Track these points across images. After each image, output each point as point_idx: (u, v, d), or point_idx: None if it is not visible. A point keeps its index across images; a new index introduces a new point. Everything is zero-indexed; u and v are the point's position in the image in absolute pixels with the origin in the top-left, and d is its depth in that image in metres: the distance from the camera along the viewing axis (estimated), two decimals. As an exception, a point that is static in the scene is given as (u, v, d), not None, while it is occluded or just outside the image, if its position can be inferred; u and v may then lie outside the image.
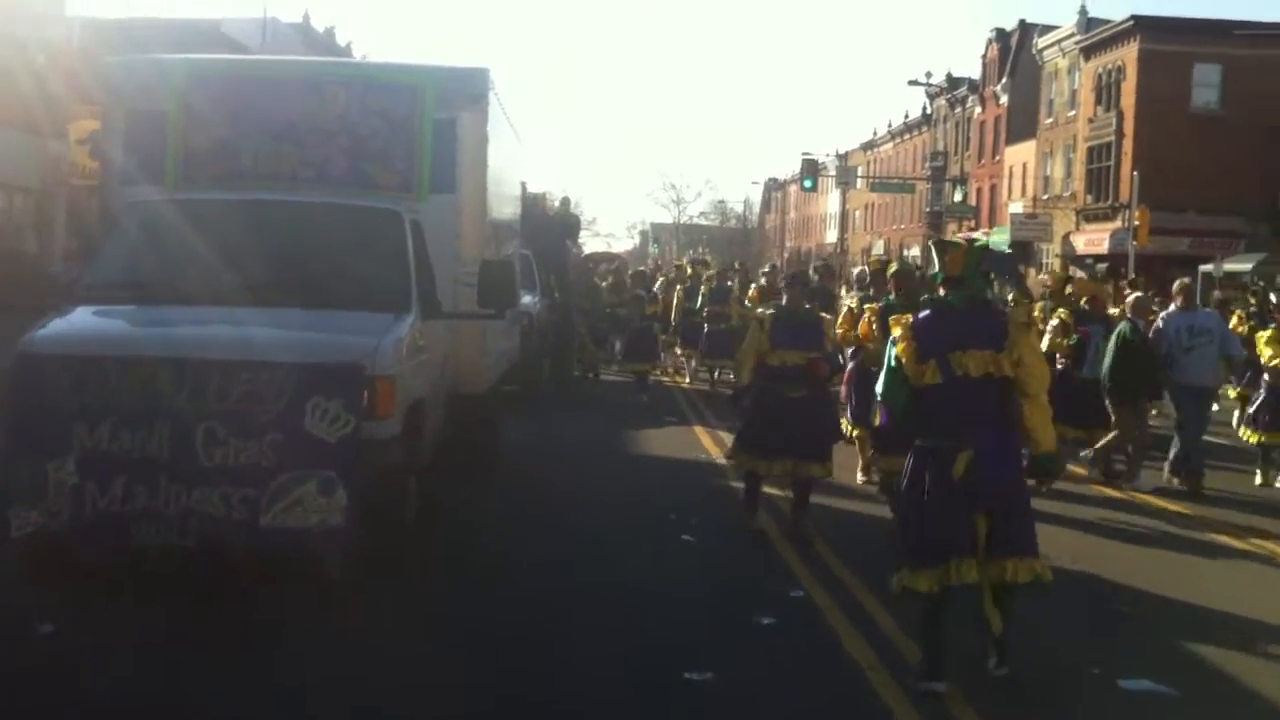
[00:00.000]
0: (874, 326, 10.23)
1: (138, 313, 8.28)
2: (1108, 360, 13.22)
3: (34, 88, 30.81)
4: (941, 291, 6.85)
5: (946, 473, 6.47)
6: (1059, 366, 13.45)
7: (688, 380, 23.53)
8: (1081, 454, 13.90)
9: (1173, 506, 12.55)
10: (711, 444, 15.48)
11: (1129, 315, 13.62)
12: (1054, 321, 13.96)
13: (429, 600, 7.90)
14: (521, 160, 14.31)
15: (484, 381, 10.27)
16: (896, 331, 6.75)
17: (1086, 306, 14.38)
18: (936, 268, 6.93)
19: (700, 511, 11.07)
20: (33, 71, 31.35)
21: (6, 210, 32.88)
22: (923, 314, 6.82)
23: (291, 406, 7.47)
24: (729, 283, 23.23)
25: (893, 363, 6.73)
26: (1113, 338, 13.33)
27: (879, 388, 6.99)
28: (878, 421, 8.15)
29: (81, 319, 8.06)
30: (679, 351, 24.11)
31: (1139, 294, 14.88)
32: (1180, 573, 9.83)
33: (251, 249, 8.54)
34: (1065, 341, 13.76)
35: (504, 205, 12.07)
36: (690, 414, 18.87)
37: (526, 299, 16.65)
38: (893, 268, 11.09)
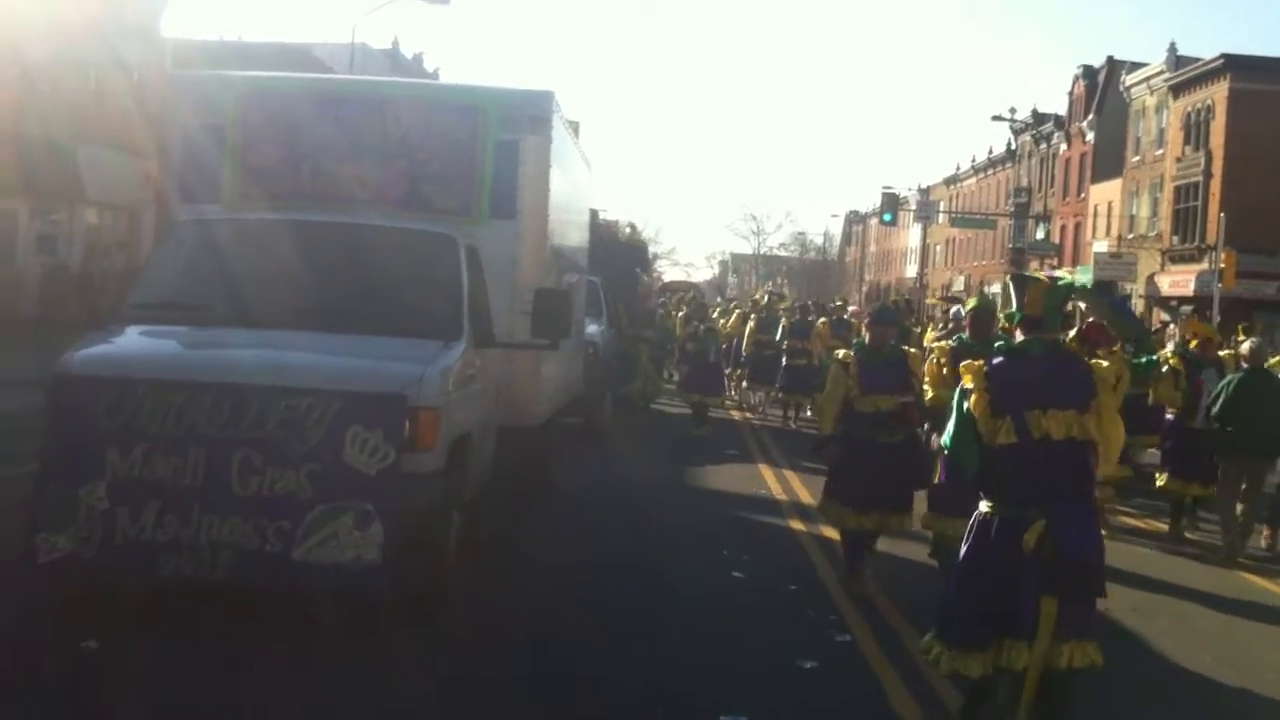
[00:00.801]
0: (943, 368, 9.03)
1: (180, 334, 7.94)
2: (1217, 408, 11.79)
3: (128, 106, 31.07)
4: (1018, 335, 6.15)
5: (1015, 544, 5.70)
6: (1169, 417, 12.52)
7: (754, 416, 22.81)
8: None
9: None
10: (774, 481, 15.03)
11: (1245, 363, 12.30)
12: (1163, 368, 12.53)
13: (468, 636, 7.52)
14: (589, 187, 13.92)
15: (538, 414, 9.81)
16: (968, 380, 6.01)
17: (1197, 350, 12.99)
18: (1014, 305, 6.21)
19: (754, 548, 10.80)
20: (127, 90, 31.65)
21: (97, 228, 33.17)
22: (997, 361, 6.07)
23: (330, 436, 7.09)
24: (810, 316, 22.56)
25: (964, 415, 5.96)
26: (1229, 383, 11.93)
27: (945, 440, 6.26)
28: (938, 478, 7.37)
29: (122, 339, 7.75)
30: (745, 386, 23.58)
31: (1255, 340, 13.18)
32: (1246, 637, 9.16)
33: (300, 271, 8.21)
34: (1178, 393, 12.47)
35: (568, 232, 11.65)
36: (755, 449, 18.34)
37: (592, 328, 16.19)
38: (971, 303, 9.82)
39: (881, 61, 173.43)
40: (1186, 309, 46.44)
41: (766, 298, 26.58)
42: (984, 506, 5.96)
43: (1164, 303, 48.54)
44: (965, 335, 9.18)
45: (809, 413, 22.20)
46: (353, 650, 7.00)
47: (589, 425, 15.52)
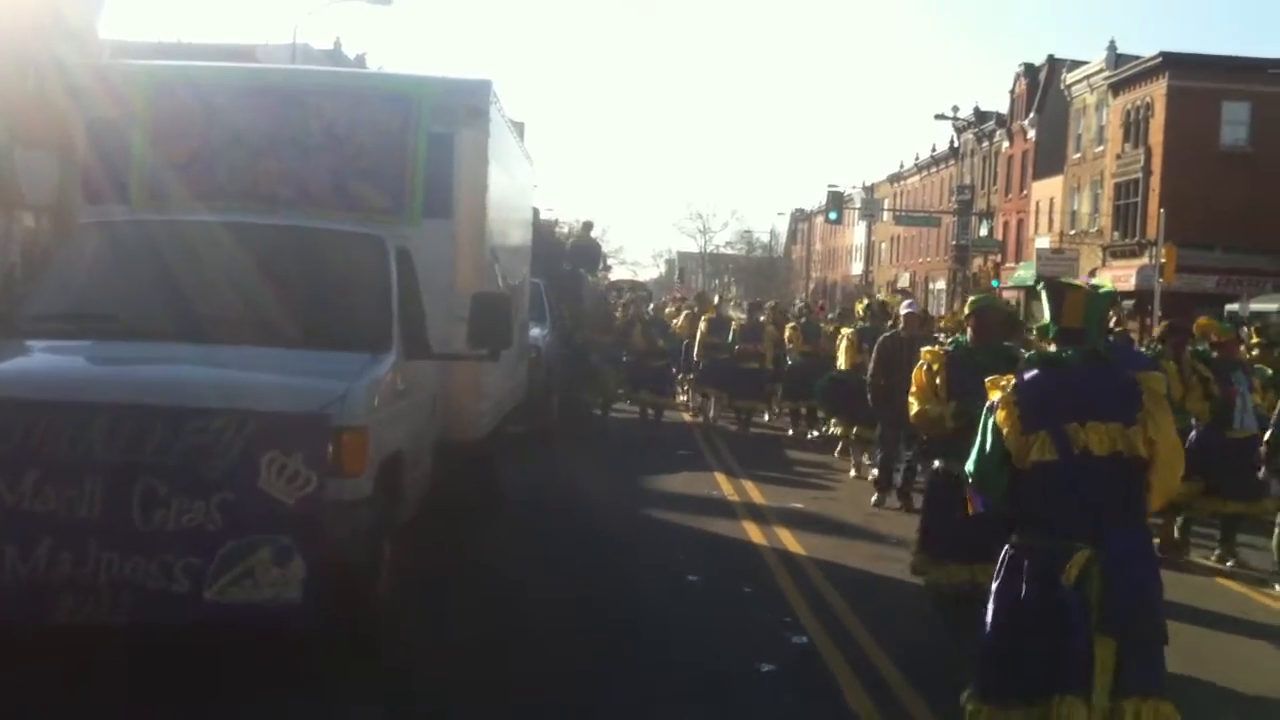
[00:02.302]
0: (935, 377, 7.42)
1: (76, 349, 7.04)
2: None
3: (66, 108, 29.82)
4: (1052, 348, 5.31)
5: (1053, 579, 4.88)
6: (1194, 428, 11.06)
7: (703, 419, 21.59)
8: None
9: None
10: (728, 485, 14.46)
11: None
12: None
13: (407, 670, 6.77)
14: (530, 184, 13.03)
15: (480, 426, 8.94)
16: (995, 395, 5.17)
17: (1214, 353, 11.51)
18: (1047, 317, 5.35)
19: (708, 552, 10.68)
20: (64, 92, 30.40)
21: (35, 231, 31.89)
22: (1029, 374, 5.20)
23: (244, 462, 6.23)
24: (760, 317, 21.59)
25: (989, 435, 5.15)
26: None
27: (968, 466, 5.33)
28: (970, 509, 6.12)
29: (9, 355, 6.84)
30: (691, 390, 22.70)
31: None
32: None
33: (213, 278, 7.36)
34: (1206, 404, 11.10)
35: (509, 231, 10.79)
36: (709, 454, 17.55)
37: (535, 331, 15.33)
38: (975, 300, 7.97)
39: (825, 59, 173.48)
40: (1128, 304, 46.57)
41: (717, 299, 25.68)
42: (1016, 539, 5.13)
43: (1106, 297, 48.38)
44: (963, 338, 7.84)
45: (766, 417, 21.60)
46: (274, 700, 6.22)
47: (535, 432, 14.57)
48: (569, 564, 9.65)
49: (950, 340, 7.68)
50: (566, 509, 12.04)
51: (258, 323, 7.13)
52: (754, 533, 11.57)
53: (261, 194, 8.27)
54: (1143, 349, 12.50)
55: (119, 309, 7.26)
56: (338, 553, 6.22)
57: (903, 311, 13.62)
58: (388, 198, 8.31)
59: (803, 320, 20.86)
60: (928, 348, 7.91)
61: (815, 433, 19.34)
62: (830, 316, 23.69)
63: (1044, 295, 5.35)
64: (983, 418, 5.24)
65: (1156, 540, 10.66)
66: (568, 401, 18.66)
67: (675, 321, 23.71)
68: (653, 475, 14.99)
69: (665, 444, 18.25)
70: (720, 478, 15.01)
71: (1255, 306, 38.58)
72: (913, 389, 7.55)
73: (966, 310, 7.99)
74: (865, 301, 17.73)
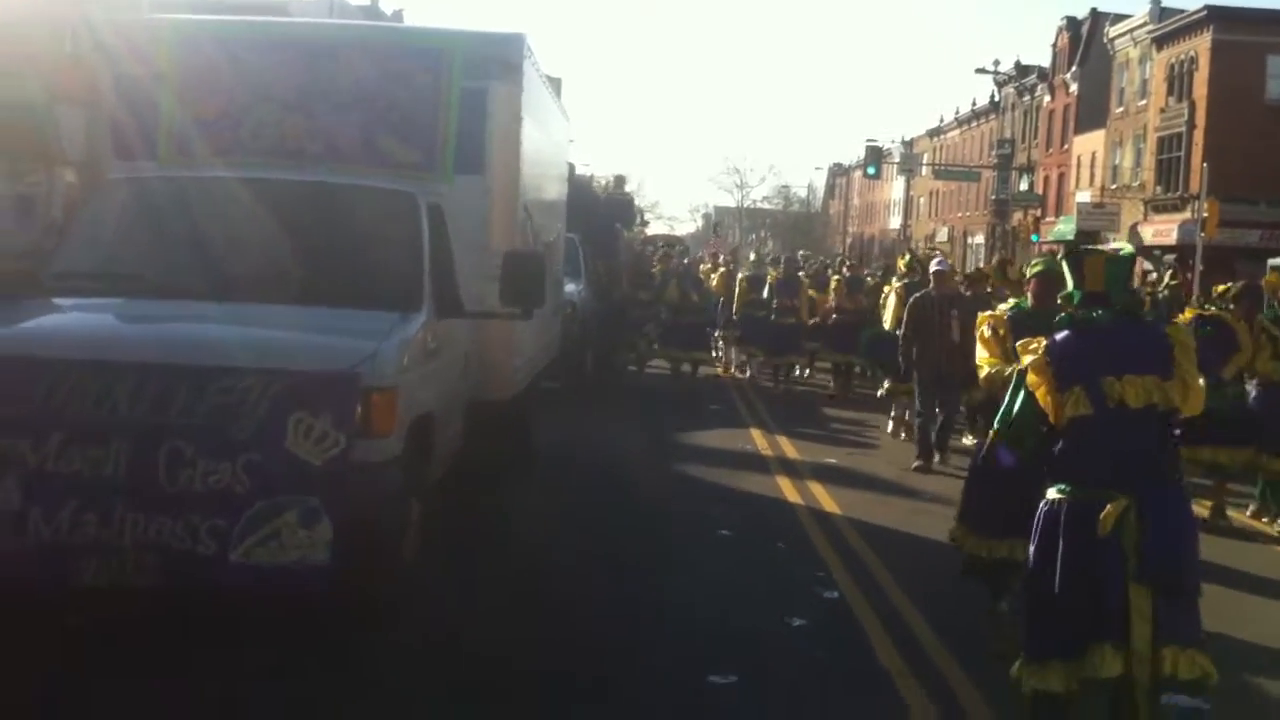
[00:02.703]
0: (1004, 340, 6.95)
1: (101, 307, 6.89)
2: None
3: (95, 63, 29.72)
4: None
5: (1090, 532, 4.90)
6: (1255, 389, 10.87)
7: (746, 376, 21.27)
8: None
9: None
10: (763, 440, 14.34)
11: None
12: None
13: (426, 638, 6.61)
14: (566, 139, 12.79)
15: (513, 385, 8.76)
16: (1027, 357, 5.24)
17: None
18: (1070, 285, 5.36)
19: (742, 507, 10.58)
20: (92, 47, 30.27)
21: (77, 187, 31.94)
22: (1060, 334, 5.25)
23: (271, 422, 6.07)
24: (799, 272, 21.07)
25: (1023, 390, 5.22)
26: None
27: (997, 423, 5.42)
28: (993, 460, 6.18)
29: (34, 314, 6.70)
30: (734, 348, 22.04)
31: None
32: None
33: (240, 235, 7.21)
34: (1276, 364, 10.67)
35: (544, 188, 10.57)
36: (744, 411, 17.33)
37: (570, 287, 15.13)
38: (1036, 266, 7.64)
39: (864, 12, 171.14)
40: (1170, 258, 45.88)
41: (752, 255, 25.23)
42: (1052, 494, 5.14)
43: (1147, 252, 47.63)
44: (1025, 302, 7.42)
45: (806, 372, 21.25)
46: (301, 662, 6.11)
47: (570, 388, 14.41)
48: (599, 523, 9.55)
49: (1012, 304, 7.32)
50: (599, 466, 11.91)
51: (285, 280, 6.97)
52: (788, 489, 11.47)
53: (290, 149, 8.07)
54: (1210, 307, 11.92)
55: (144, 267, 7.11)
56: (365, 514, 6.09)
57: (933, 269, 13.27)
58: (419, 153, 8.10)
59: (847, 275, 20.42)
60: (986, 312, 7.54)
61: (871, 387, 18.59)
62: (871, 270, 23.23)
63: (1066, 266, 5.43)
64: (1016, 376, 5.33)
65: (1206, 505, 10.55)
66: (602, 357, 18.48)
67: (711, 278, 23.23)
68: (686, 431, 14.88)
69: (700, 400, 18.07)
70: (755, 434, 14.88)
71: (1296, 261, 37.91)
72: (982, 353, 7.15)
73: (1028, 274, 7.76)
74: (908, 257, 17.39)
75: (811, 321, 19.36)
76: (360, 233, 7.41)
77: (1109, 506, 4.87)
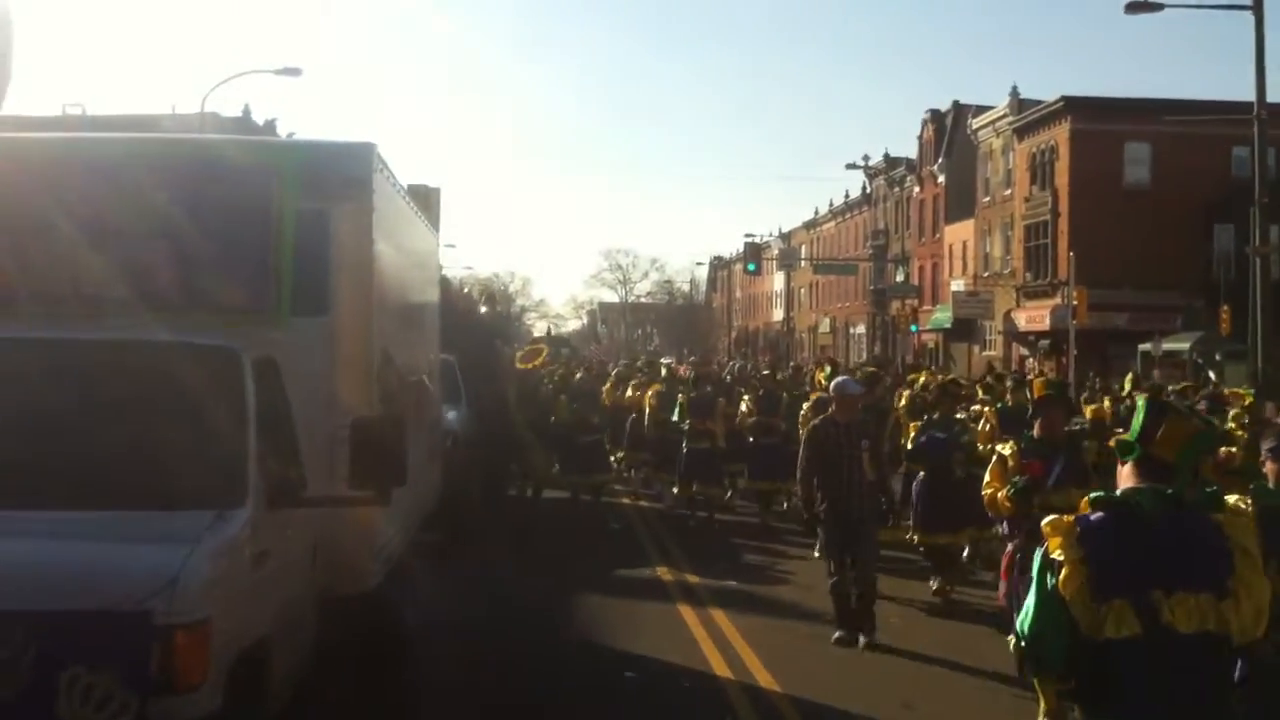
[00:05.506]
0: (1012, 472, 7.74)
1: None
2: None
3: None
4: (1126, 475, 3.94)
5: None
6: None
7: (658, 504, 18.25)
8: None
9: None
10: (682, 598, 11.78)
11: None
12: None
13: None
14: (434, 256, 11.02)
15: (372, 574, 6.87)
16: (1056, 546, 3.81)
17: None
18: (1134, 430, 3.96)
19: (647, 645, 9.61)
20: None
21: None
22: (1096, 515, 3.84)
23: (34, 683, 4.28)
24: (708, 388, 17.51)
25: (1049, 594, 3.82)
26: None
27: (1021, 624, 3.95)
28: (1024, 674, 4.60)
29: None
30: (634, 472, 19.33)
31: None
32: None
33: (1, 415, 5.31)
34: None
35: (409, 318, 8.80)
36: (654, 551, 14.62)
37: (450, 414, 13.24)
38: (1040, 385, 8.56)
39: (737, 108, 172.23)
40: (1044, 344, 45.71)
41: (665, 370, 21.89)
42: None
43: (1022, 338, 47.60)
44: (1033, 433, 8.00)
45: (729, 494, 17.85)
46: None
47: (454, 534, 11.99)
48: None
49: (1024, 438, 7.86)
50: (489, 633, 9.48)
51: (59, 477, 5.12)
52: (714, 659, 9.43)
53: (85, 296, 6.23)
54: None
55: None
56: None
57: (836, 391, 10.49)
58: (246, 293, 6.30)
59: (760, 392, 17.48)
60: (1002, 447, 7.96)
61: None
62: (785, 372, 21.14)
63: (1141, 408, 4.04)
64: (1037, 572, 3.90)
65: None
66: (491, 490, 15.91)
67: (605, 388, 20.96)
68: (591, 583, 12.41)
69: (604, 537, 15.56)
70: (667, 577, 12.76)
71: (1167, 346, 37.80)
72: (991, 489, 7.80)
73: (1031, 410, 8.19)
74: (827, 369, 15.58)
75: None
76: (162, 405, 5.56)
77: None
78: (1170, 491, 3.83)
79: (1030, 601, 3.90)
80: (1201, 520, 3.86)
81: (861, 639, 9.64)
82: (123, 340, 5.74)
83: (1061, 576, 3.76)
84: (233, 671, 4.83)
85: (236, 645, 4.91)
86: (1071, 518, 3.89)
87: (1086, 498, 4.00)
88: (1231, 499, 3.97)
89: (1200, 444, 3.98)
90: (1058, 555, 3.80)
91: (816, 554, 12.42)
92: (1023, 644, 3.95)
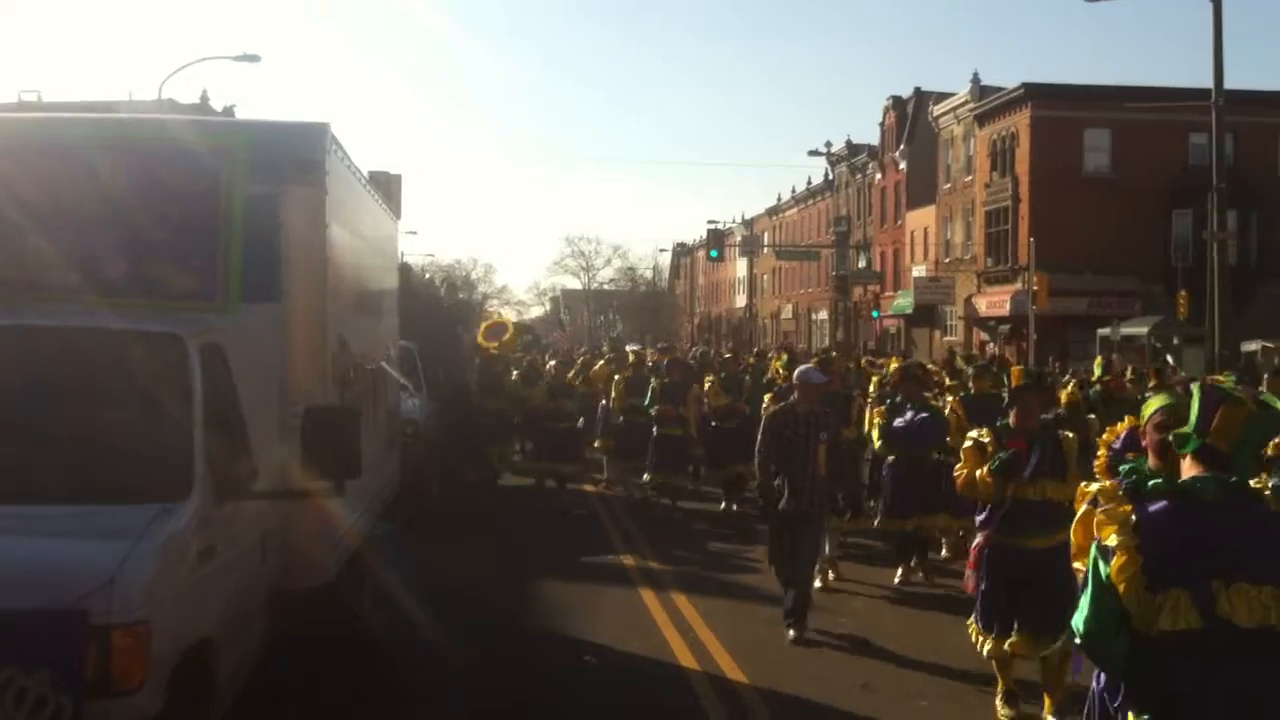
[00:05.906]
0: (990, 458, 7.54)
1: None
2: None
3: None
4: (1187, 467, 3.82)
5: None
6: None
7: (622, 492, 17.85)
8: None
9: None
10: (647, 588, 11.52)
11: None
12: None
13: None
14: (393, 240, 10.75)
15: (329, 568, 6.69)
16: (1109, 534, 3.70)
17: None
18: (1190, 423, 3.83)
19: (610, 634, 9.46)
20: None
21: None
22: (1155, 506, 3.73)
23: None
24: (678, 375, 16.54)
25: (1105, 586, 3.71)
26: None
27: (1077, 622, 3.81)
28: (1088, 681, 4.43)
29: None
30: (603, 459, 18.65)
31: None
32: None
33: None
34: None
35: (364, 304, 8.59)
36: (619, 540, 14.27)
37: (410, 403, 12.93)
38: (1019, 387, 8.07)
39: (702, 95, 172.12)
40: (1005, 329, 45.92)
41: (632, 356, 20.69)
42: None
43: (983, 323, 47.75)
44: (1009, 422, 7.76)
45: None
46: None
47: (412, 524, 11.63)
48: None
49: (1000, 423, 7.64)
50: (448, 622, 9.08)
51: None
52: (676, 644, 9.35)
53: (32, 282, 6.02)
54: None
55: None
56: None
57: (799, 379, 10.00)
58: (195, 279, 6.11)
59: (721, 374, 17.24)
60: (974, 433, 7.73)
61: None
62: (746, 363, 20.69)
63: (1195, 398, 3.90)
64: (1092, 562, 3.80)
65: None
66: (450, 480, 15.65)
67: (570, 375, 20.47)
68: (554, 571, 12.18)
69: (571, 525, 15.26)
70: (632, 566, 12.51)
71: (1126, 330, 38.02)
72: (966, 470, 7.61)
73: (1007, 399, 7.85)
74: (784, 357, 15.28)
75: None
76: (104, 394, 5.36)
77: None
78: (1234, 480, 3.72)
79: (1085, 598, 3.79)
80: (1266, 511, 3.75)
81: (791, 633, 9.37)
82: (62, 327, 5.53)
83: (1115, 565, 3.65)
84: (175, 672, 4.64)
85: (179, 645, 4.72)
86: (1128, 505, 3.78)
87: (1083, 486, 3.89)
88: None
89: (1260, 427, 3.82)
90: (1111, 539, 3.69)
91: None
92: (1077, 641, 3.84)
